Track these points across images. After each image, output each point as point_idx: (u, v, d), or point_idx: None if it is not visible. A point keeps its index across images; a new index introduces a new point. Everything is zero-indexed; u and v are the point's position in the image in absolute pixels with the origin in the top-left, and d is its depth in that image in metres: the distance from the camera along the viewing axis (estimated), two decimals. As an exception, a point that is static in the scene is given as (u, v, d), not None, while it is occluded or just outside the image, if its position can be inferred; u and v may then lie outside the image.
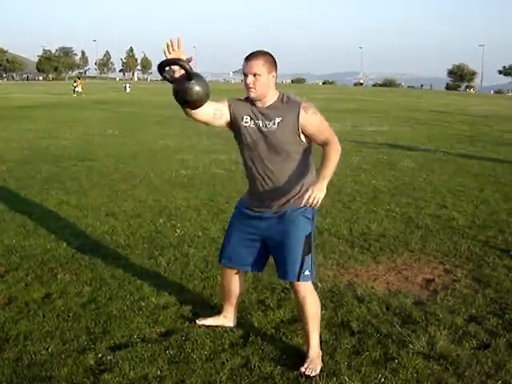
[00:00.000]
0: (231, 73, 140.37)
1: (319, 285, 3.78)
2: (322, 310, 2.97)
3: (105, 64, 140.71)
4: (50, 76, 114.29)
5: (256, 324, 3.26)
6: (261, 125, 2.71)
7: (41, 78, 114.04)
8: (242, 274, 3.16)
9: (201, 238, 4.92)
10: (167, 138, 12.59)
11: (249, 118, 2.73)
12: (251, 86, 2.65)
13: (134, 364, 2.79)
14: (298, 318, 3.05)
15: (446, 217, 5.82)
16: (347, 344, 3.03)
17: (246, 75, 2.67)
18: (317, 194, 2.49)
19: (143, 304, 3.50)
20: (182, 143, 11.63)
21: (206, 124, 2.79)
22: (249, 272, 3.45)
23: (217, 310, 3.34)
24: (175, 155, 9.93)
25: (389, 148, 11.49)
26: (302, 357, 2.83)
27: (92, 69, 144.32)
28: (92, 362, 2.81)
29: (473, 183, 7.74)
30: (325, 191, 2.53)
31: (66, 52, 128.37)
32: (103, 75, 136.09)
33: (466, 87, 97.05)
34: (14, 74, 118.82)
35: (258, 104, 2.73)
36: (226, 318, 3.24)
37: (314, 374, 2.70)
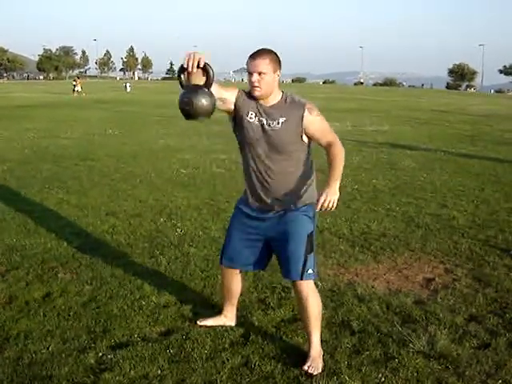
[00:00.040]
0: (231, 72, 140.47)
1: (320, 284, 3.78)
2: (322, 309, 2.97)
3: (105, 63, 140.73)
4: (51, 75, 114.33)
5: (256, 323, 3.27)
6: (265, 123, 2.71)
7: (41, 77, 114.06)
8: (241, 274, 3.17)
9: (201, 238, 4.92)
10: (168, 137, 12.59)
11: (254, 115, 2.72)
12: (256, 84, 2.64)
13: (135, 363, 2.79)
14: (300, 317, 3.06)
15: (447, 216, 5.82)
16: (347, 343, 3.03)
17: (250, 74, 2.64)
18: (331, 197, 2.57)
19: (144, 303, 3.50)
20: (182, 143, 11.63)
21: None
22: (250, 271, 3.45)
23: (217, 310, 3.34)
24: (176, 155, 9.94)
25: (389, 147, 11.49)
26: (302, 356, 2.84)
27: (92, 68, 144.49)
28: (92, 361, 2.81)
29: (473, 183, 7.74)
30: (338, 194, 2.61)
31: (67, 51, 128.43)
32: (104, 74, 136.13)
33: (467, 86, 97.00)
34: (15, 74, 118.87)
35: (262, 102, 2.72)
36: (227, 318, 3.24)
37: (316, 372, 2.70)
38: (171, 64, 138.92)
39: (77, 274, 3.99)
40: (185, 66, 2.46)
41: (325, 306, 3.34)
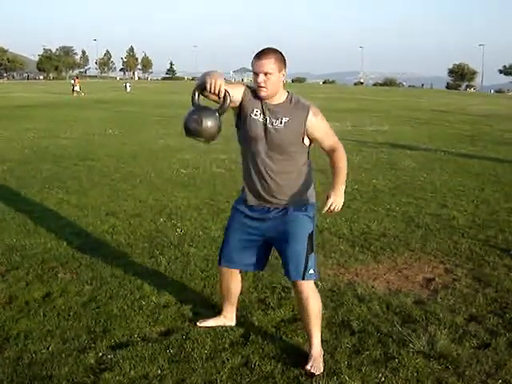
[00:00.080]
0: (231, 72, 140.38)
1: (320, 284, 3.77)
2: (322, 309, 2.97)
3: (105, 63, 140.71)
4: (51, 75, 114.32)
5: (256, 323, 3.26)
6: (268, 121, 2.71)
7: (41, 77, 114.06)
8: (241, 273, 3.16)
9: (201, 238, 4.92)
10: (167, 137, 12.59)
11: (258, 112, 2.72)
12: (262, 85, 2.64)
13: (135, 363, 2.79)
14: (300, 317, 3.05)
15: (447, 216, 5.82)
16: (347, 343, 3.03)
17: (256, 74, 2.64)
18: (338, 201, 2.66)
19: (144, 303, 3.50)
20: (182, 142, 11.62)
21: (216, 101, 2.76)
22: (250, 271, 3.45)
23: (217, 310, 3.34)
24: (176, 154, 9.93)
25: (389, 147, 11.49)
26: (302, 356, 2.84)
27: (92, 68, 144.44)
28: (92, 361, 2.81)
29: (473, 183, 7.75)
30: (343, 197, 2.69)
31: (67, 51, 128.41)
32: (104, 74, 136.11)
33: (467, 86, 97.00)
34: (15, 74, 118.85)
35: (267, 101, 2.72)
36: (227, 318, 3.24)
37: (318, 372, 2.70)
38: (171, 64, 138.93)
39: (77, 274, 3.99)
40: (207, 88, 2.49)
41: (325, 306, 3.34)
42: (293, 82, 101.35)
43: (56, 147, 10.66)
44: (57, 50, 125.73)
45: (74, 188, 6.91)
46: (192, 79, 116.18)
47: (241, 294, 3.31)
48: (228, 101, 2.56)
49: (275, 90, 2.68)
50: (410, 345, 2.99)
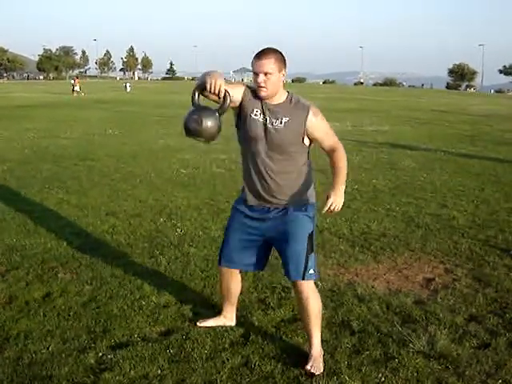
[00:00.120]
0: (231, 72, 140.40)
1: (320, 284, 3.77)
2: (322, 309, 2.97)
3: (105, 63, 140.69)
4: (51, 75, 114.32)
5: (256, 323, 3.26)
6: (268, 121, 2.71)
7: (41, 77, 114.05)
8: (240, 273, 3.16)
9: (201, 238, 4.92)
10: (167, 137, 12.59)
11: (259, 112, 2.72)
12: (262, 85, 2.64)
13: (135, 363, 2.79)
14: (300, 317, 3.05)
15: (447, 216, 5.82)
16: (347, 343, 3.03)
17: (256, 74, 2.64)
18: (338, 201, 2.66)
19: (144, 303, 3.50)
20: (182, 142, 11.61)
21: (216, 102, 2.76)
22: (250, 271, 3.45)
23: (217, 310, 3.34)
24: (176, 154, 9.93)
25: (389, 147, 11.49)
26: (302, 356, 2.84)
27: (92, 68, 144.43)
28: (92, 361, 2.81)
29: (473, 183, 7.75)
30: (343, 197, 2.69)
31: (67, 51, 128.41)
32: (104, 74, 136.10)
33: (467, 86, 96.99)
34: (15, 74, 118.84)
35: (268, 100, 2.72)
36: (226, 318, 3.24)
37: (318, 372, 2.70)
38: (171, 64, 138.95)
39: (77, 274, 3.99)
40: (207, 88, 2.49)
41: (325, 306, 3.34)
42: (293, 82, 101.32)
43: (56, 147, 10.66)
44: (57, 49, 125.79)
45: (74, 188, 6.91)
46: (192, 79, 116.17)
47: (241, 293, 3.31)
48: (228, 101, 2.56)
49: (275, 90, 2.68)
50: (410, 345, 2.99)
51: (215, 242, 4.65)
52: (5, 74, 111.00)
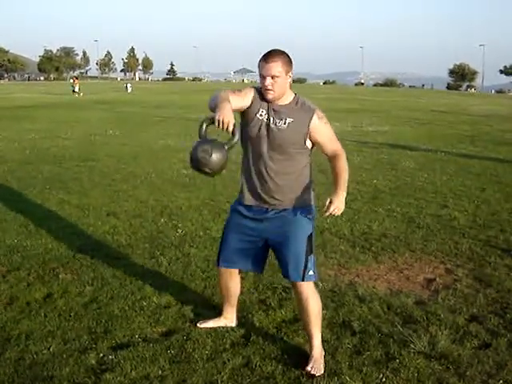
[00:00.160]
0: (232, 73, 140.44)
1: (320, 284, 3.78)
2: (323, 309, 2.97)
3: (106, 64, 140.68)
4: (52, 76, 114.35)
5: (257, 324, 3.27)
6: (271, 122, 2.72)
7: (42, 78, 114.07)
8: (240, 274, 3.16)
9: (202, 238, 4.92)
10: (168, 137, 12.60)
11: (264, 113, 2.73)
12: (269, 87, 2.65)
13: (136, 364, 2.80)
14: (300, 318, 3.05)
15: (447, 216, 5.82)
16: (348, 344, 3.03)
17: (263, 77, 2.65)
18: (339, 207, 2.65)
19: (144, 304, 3.50)
20: (182, 143, 11.63)
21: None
22: (249, 272, 3.45)
23: (218, 310, 3.34)
24: (176, 155, 9.93)
25: (390, 148, 11.49)
26: (303, 356, 2.84)
27: (93, 69, 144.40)
28: (93, 362, 2.81)
29: (474, 183, 7.74)
30: (344, 204, 2.68)
31: (68, 52, 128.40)
32: (104, 75, 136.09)
33: (467, 87, 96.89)
34: (16, 74, 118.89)
35: (274, 101, 2.73)
36: (227, 319, 3.24)
37: (318, 373, 2.70)
38: (172, 65, 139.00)
39: (78, 275, 4.00)
40: (216, 125, 2.47)
41: (326, 307, 3.34)
42: (293, 82, 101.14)
43: (57, 148, 10.67)
44: (57, 50, 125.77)
45: (75, 189, 6.92)
46: (193, 80, 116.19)
47: (241, 294, 3.31)
48: (236, 138, 2.54)
49: (282, 92, 2.69)
50: (411, 345, 2.99)
51: (216, 243, 4.63)
52: (6, 75, 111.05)
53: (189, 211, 5.87)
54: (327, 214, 2.64)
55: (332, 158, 2.80)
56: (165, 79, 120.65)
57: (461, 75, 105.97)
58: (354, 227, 5.34)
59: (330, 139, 2.79)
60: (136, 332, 3.14)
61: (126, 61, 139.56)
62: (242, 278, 3.24)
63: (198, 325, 3.21)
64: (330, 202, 2.64)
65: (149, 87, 58.45)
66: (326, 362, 2.80)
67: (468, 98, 46.20)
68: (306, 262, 2.77)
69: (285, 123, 2.70)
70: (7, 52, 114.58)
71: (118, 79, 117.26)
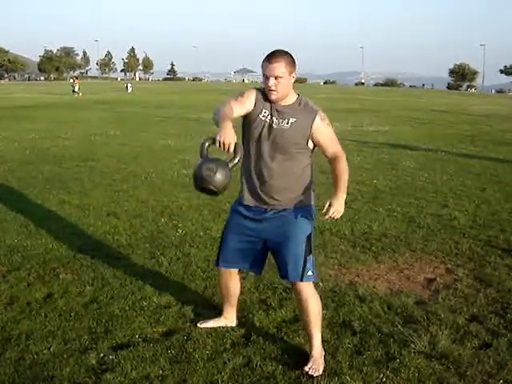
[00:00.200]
0: (232, 73, 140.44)
1: (321, 284, 3.78)
2: (323, 309, 2.98)
3: (106, 64, 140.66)
4: (52, 76, 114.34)
5: (258, 324, 3.27)
6: (274, 121, 2.72)
7: (42, 78, 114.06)
8: (240, 274, 3.16)
9: (202, 238, 4.92)
10: (168, 137, 12.60)
11: (267, 113, 2.73)
12: (273, 88, 2.65)
13: (136, 364, 2.80)
14: (300, 318, 3.05)
15: (448, 216, 5.82)
16: (349, 344, 3.03)
17: (267, 77, 2.65)
18: (338, 210, 2.63)
19: (145, 304, 3.50)
20: (183, 143, 11.64)
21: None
22: (248, 271, 3.45)
23: (218, 310, 3.34)
24: (177, 155, 9.94)
25: (390, 148, 11.49)
26: (303, 356, 2.84)
27: (93, 69, 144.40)
28: (94, 362, 2.81)
29: (474, 183, 7.74)
30: (343, 206, 2.67)
31: (68, 52, 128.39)
32: (105, 75, 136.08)
33: (468, 87, 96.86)
34: (16, 74, 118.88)
35: (276, 101, 2.73)
36: (227, 319, 3.24)
37: (317, 374, 2.70)
38: (172, 65, 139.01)
39: (78, 275, 4.00)
40: (217, 145, 2.48)
41: (326, 307, 3.34)
42: (294, 82, 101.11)
43: (57, 148, 10.67)
44: (58, 50, 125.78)
45: (75, 189, 6.92)
46: (193, 80, 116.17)
47: (242, 294, 3.31)
48: (238, 157, 2.53)
49: (285, 92, 2.69)
50: (412, 345, 2.99)
51: (216, 243, 4.62)
52: (6, 75, 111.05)
53: (189, 211, 5.87)
54: (326, 217, 2.63)
55: (332, 160, 2.80)
56: (165, 79, 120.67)
57: (461, 75, 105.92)
58: (355, 227, 5.34)
59: (331, 140, 2.79)
60: (136, 332, 3.14)
61: (126, 61, 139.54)
62: (243, 278, 3.24)
63: (198, 325, 3.22)
64: (330, 205, 2.63)
65: (149, 87, 58.46)
66: (326, 362, 2.80)
67: (468, 97, 46.19)
68: (305, 262, 2.77)
69: (287, 123, 2.71)
70: (7, 52, 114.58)
71: (119, 79, 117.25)
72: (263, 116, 2.73)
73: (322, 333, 2.92)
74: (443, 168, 8.98)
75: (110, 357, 2.85)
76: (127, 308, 3.44)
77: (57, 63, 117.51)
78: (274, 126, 2.71)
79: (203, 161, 2.58)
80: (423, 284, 3.97)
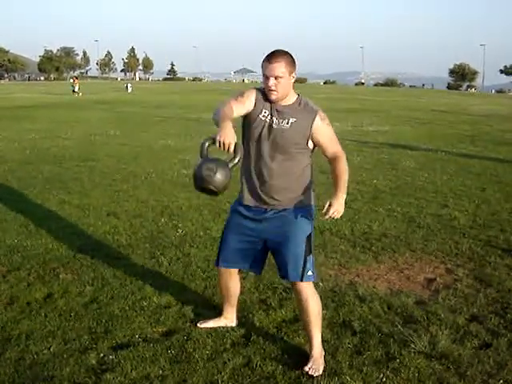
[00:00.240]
0: (232, 73, 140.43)
1: (321, 284, 3.78)
2: (323, 309, 2.98)
3: (106, 64, 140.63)
4: (52, 76, 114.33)
5: (258, 323, 3.27)
6: (274, 122, 2.72)
7: (42, 78, 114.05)
8: (240, 274, 3.16)
9: (202, 238, 4.92)
10: (168, 137, 12.59)
11: (267, 113, 2.73)
12: (273, 88, 2.65)
13: (136, 364, 2.80)
14: (300, 318, 3.05)
15: (448, 216, 5.82)
16: (349, 344, 3.03)
17: (267, 77, 2.65)
18: (338, 210, 2.63)
19: (145, 304, 3.50)
20: (183, 143, 11.64)
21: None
22: (249, 272, 3.45)
23: (218, 310, 3.34)
24: (177, 155, 9.94)
25: (390, 148, 11.49)
26: (303, 356, 2.84)
27: (93, 69, 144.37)
28: (94, 362, 2.81)
29: (474, 183, 7.74)
30: (343, 206, 2.67)
31: (68, 52, 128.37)
32: (105, 75, 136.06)
33: (468, 87, 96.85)
34: (16, 74, 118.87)
35: (276, 101, 2.73)
36: (227, 319, 3.24)
37: (317, 374, 2.70)
38: (172, 65, 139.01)
39: (78, 275, 4.00)
40: (217, 145, 2.48)
41: (326, 307, 3.34)
42: (294, 82, 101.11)
43: (57, 148, 10.67)
44: (58, 50, 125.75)
45: (75, 189, 6.92)
46: (193, 80, 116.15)
47: (242, 294, 3.31)
48: (238, 157, 2.54)
49: (285, 92, 2.70)
50: (412, 345, 2.99)
51: (216, 243, 4.62)
52: (6, 75, 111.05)
53: (189, 211, 5.87)
54: (326, 217, 2.63)
55: (332, 160, 2.80)
56: (165, 79, 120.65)
57: (461, 75, 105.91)
58: (355, 227, 5.34)
59: (331, 140, 2.79)
60: (136, 332, 3.14)
61: (126, 61, 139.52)
62: (243, 278, 3.25)
63: (198, 325, 3.22)
64: (330, 205, 2.63)
65: (149, 87, 58.46)
66: (326, 362, 2.80)
67: (468, 97, 46.19)
68: (305, 262, 2.77)
69: (287, 123, 2.71)
70: (7, 52, 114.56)
71: (119, 79, 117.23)
72: (263, 116, 2.73)
73: (322, 333, 2.92)
74: (443, 168, 8.98)
75: (110, 357, 2.85)
76: (127, 308, 3.44)
77: (57, 63, 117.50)
78: (274, 125, 2.72)
79: (203, 161, 2.58)
80: (423, 284, 3.97)
